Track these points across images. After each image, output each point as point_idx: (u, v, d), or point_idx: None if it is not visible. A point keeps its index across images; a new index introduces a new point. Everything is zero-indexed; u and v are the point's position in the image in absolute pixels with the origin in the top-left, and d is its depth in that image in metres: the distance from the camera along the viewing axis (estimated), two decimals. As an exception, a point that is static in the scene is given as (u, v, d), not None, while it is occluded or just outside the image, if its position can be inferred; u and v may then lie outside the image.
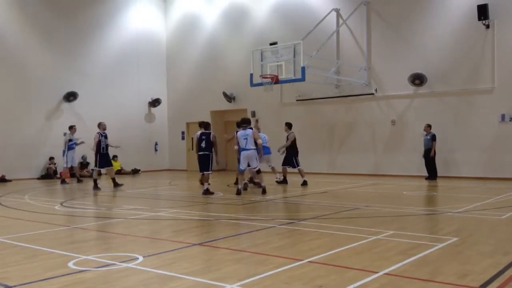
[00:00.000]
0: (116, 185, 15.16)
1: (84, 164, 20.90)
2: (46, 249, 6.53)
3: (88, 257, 5.97)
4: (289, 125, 15.67)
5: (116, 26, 23.11)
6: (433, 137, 16.10)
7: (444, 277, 4.92)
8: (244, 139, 12.58)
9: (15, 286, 4.86)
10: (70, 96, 20.84)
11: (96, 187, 14.78)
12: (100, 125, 15.44)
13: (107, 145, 15.28)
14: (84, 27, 21.77)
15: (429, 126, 16.32)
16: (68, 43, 21.20)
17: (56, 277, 5.13)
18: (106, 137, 15.28)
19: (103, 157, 15.20)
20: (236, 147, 13.12)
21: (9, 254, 6.41)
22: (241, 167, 12.75)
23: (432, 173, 16.24)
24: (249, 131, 12.66)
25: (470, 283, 4.72)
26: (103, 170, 15.73)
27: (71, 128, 17.79)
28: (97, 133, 15.26)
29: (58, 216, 9.91)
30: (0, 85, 19.01)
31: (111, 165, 15.71)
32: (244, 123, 12.88)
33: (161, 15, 25.17)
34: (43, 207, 11.11)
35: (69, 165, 17.80)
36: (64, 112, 20.85)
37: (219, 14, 23.20)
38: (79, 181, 17.82)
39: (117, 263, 5.66)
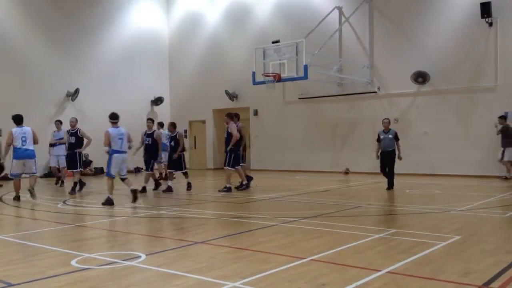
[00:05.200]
0: (73, 190, 13.24)
1: (86, 163, 20.96)
2: (49, 247, 6.55)
3: (91, 255, 5.98)
4: (230, 116, 13.46)
5: (119, 25, 23.13)
6: (396, 136, 13.11)
7: (447, 276, 4.91)
8: (120, 139, 10.67)
9: (18, 284, 4.87)
10: (73, 95, 20.89)
11: (73, 190, 13.27)
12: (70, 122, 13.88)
13: (71, 144, 13.61)
14: (86, 25, 21.80)
15: (389, 121, 13.44)
16: (71, 42, 21.22)
17: (59, 275, 5.14)
18: (72, 134, 13.60)
19: (68, 157, 13.80)
20: (106, 148, 10.64)
21: (12, 252, 6.42)
22: (112, 173, 10.72)
23: (392, 181, 13.20)
24: (123, 129, 10.83)
25: (473, 282, 4.71)
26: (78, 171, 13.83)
27: (61, 122, 15.90)
28: (66, 131, 13.98)
29: (60, 214, 9.92)
30: (3, 84, 19.04)
31: (76, 167, 13.67)
32: (115, 118, 10.85)
33: (163, 14, 25.18)
34: (46, 205, 11.14)
35: (51, 164, 16.00)
36: (67, 111, 20.87)
37: (221, 13, 23.19)
38: (59, 183, 15.60)
39: (120, 261, 5.67)
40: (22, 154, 11.60)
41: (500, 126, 15.57)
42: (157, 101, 24.24)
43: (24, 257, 6.09)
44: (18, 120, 11.83)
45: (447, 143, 16.99)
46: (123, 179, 10.88)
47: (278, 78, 16.04)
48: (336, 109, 19.79)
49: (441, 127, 17.20)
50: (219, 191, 13.01)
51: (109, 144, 10.55)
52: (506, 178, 15.41)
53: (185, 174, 13.82)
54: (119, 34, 23.08)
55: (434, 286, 4.68)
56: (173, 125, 13.92)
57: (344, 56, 19.31)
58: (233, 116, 13.42)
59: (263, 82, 16.43)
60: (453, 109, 17.17)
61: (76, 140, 13.56)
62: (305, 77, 15.73)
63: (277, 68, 16.16)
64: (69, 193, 13.11)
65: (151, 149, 13.44)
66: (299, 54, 15.72)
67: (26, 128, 11.77)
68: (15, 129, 11.76)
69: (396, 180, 16.12)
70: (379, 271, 5.09)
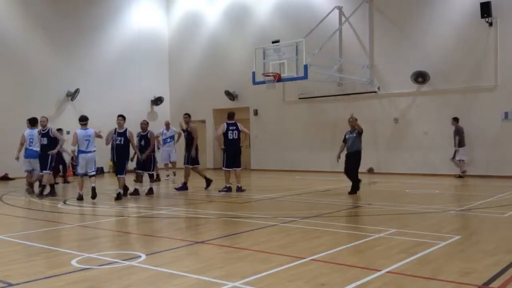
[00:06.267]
0: (41, 194, 12.28)
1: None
2: (49, 247, 6.55)
3: (91, 255, 5.98)
4: (190, 116, 14.30)
5: (119, 25, 23.13)
6: (359, 132, 12.33)
7: (447, 275, 4.91)
8: (86, 140, 11.60)
9: (18, 284, 4.87)
10: (73, 95, 20.89)
11: (41, 193, 12.33)
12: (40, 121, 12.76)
13: (42, 145, 12.41)
14: (86, 25, 21.79)
15: (354, 119, 12.55)
16: (71, 42, 21.23)
17: (59, 275, 5.14)
18: (44, 135, 12.45)
19: (40, 159, 12.52)
20: (73, 147, 11.84)
21: (12, 252, 6.42)
22: (79, 171, 11.72)
23: (356, 184, 12.12)
24: (90, 131, 11.72)
25: (473, 281, 4.72)
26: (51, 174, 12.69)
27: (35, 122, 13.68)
28: (37, 131, 12.81)
29: (61, 214, 9.92)
30: (3, 83, 19.04)
31: (46, 169, 12.41)
32: (83, 120, 11.85)
33: (163, 14, 25.18)
34: (46, 205, 11.13)
35: (25, 169, 13.60)
36: (67, 111, 20.89)
37: (221, 12, 23.19)
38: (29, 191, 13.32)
39: (120, 261, 5.67)
40: (28, 154, 12.95)
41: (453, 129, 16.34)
42: (157, 101, 24.24)
43: (24, 257, 6.09)
44: (31, 122, 13.24)
45: (447, 143, 16.97)
46: (90, 176, 11.73)
47: (278, 78, 16.02)
48: (336, 109, 19.77)
49: (441, 127, 17.18)
50: (219, 191, 13.00)
51: (77, 144, 11.60)
52: (460, 176, 16.03)
53: (151, 176, 13.00)
54: (119, 34, 23.08)
55: (434, 286, 4.68)
56: (147, 124, 13.56)
57: (344, 56, 19.31)
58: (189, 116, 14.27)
59: (263, 82, 16.42)
60: (453, 108, 17.14)
61: (48, 141, 12.40)
62: (305, 77, 15.72)
63: (277, 68, 16.15)
64: (37, 195, 12.21)
65: (124, 149, 11.94)
66: (299, 54, 15.71)
67: (35, 131, 12.90)
68: (27, 131, 13.18)
69: (397, 180, 16.18)
70: (379, 271, 5.09)
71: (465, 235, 6.86)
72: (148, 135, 13.21)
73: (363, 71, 18.72)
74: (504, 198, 11.03)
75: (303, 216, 8.89)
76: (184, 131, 14.36)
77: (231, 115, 13.42)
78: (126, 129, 11.99)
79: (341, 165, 19.11)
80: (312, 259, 5.63)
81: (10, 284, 4.85)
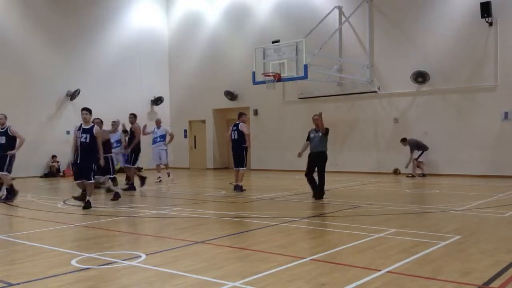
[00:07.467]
0: (7, 198, 11.53)
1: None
2: (49, 247, 6.55)
3: (91, 255, 5.98)
4: (135, 116, 14.32)
5: (119, 25, 23.14)
6: (324, 132, 11.14)
7: (447, 275, 4.92)
8: None
9: (18, 284, 4.87)
10: (73, 95, 20.90)
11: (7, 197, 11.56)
12: None
13: (1, 145, 11.37)
14: (86, 25, 21.81)
15: (319, 117, 11.26)
16: (71, 42, 21.23)
17: (59, 275, 5.14)
18: (2, 134, 11.42)
19: None
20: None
21: (11, 252, 6.43)
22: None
23: (322, 189, 11.08)
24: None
25: (473, 281, 4.72)
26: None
27: None
28: None
29: (61, 214, 9.92)
30: (3, 83, 19.03)
31: (2, 170, 11.51)
32: None
33: (163, 13, 25.18)
34: (46, 205, 11.14)
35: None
36: (67, 110, 20.90)
37: (221, 12, 23.19)
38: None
39: (120, 261, 5.67)
40: None
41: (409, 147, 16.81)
42: (157, 101, 24.24)
43: (24, 257, 6.09)
44: None
45: (447, 143, 16.99)
46: None
47: (278, 78, 16.02)
48: (336, 108, 19.75)
49: (441, 127, 17.19)
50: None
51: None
52: (413, 176, 16.65)
53: (114, 180, 12.05)
54: (119, 34, 23.09)
55: (434, 286, 4.68)
56: (102, 123, 12.08)
57: (344, 56, 19.30)
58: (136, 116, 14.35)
59: (263, 82, 16.42)
60: (453, 109, 17.16)
61: (7, 140, 11.38)
62: (305, 76, 15.72)
63: (277, 68, 16.15)
64: (2, 200, 11.43)
65: (89, 149, 10.20)
66: (299, 54, 15.71)
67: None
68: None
69: (397, 179, 16.18)
70: (379, 271, 5.09)
71: (465, 235, 6.86)
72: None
73: (363, 71, 18.73)
74: (504, 198, 11.03)
75: (303, 216, 8.89)
76: (127, 131, 14.21)
77: (238, 115, 13.40)
78: (93, 125, 10.37)
79: (340, 166, 19.36)
80: (312, 259, 5.63)
81: (10, 284, 4.85)
